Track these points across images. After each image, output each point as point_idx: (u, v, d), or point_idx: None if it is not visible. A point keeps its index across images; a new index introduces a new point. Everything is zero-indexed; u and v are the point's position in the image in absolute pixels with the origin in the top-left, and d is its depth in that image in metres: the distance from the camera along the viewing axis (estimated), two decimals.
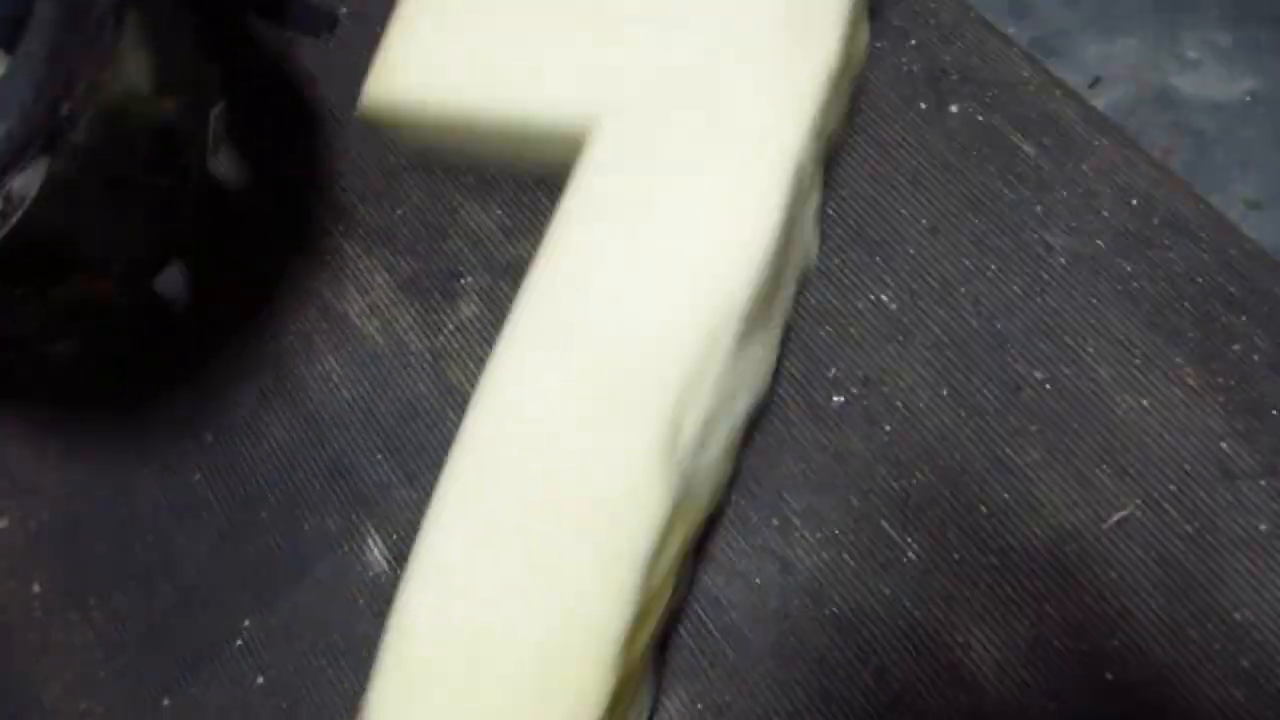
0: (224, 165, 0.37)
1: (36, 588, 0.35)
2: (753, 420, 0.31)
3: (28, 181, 0.24)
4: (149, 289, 0.35)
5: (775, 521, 0.31)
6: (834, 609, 0.29)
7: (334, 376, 0.35)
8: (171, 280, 0.36)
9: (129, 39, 0.26)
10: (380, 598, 0.32)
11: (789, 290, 0.31)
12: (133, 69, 0.27)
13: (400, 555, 0.32)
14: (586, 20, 0.32)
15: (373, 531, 0.33)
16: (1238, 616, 0.27)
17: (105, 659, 0.33)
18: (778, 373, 0.31)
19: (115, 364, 0.36)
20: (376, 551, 0.32)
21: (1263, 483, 0.28)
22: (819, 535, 0.30)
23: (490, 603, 0.27)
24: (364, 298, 0.36)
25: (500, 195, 0.36)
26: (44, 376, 0.37)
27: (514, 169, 0.35)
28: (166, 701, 0.32)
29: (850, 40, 0.31)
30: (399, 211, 0.36)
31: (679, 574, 0.28)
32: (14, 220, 0.24)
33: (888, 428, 0.31)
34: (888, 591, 0.29)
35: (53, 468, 0.36)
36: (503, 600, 0.27)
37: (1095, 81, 0.34)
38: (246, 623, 0.33)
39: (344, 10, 0.40)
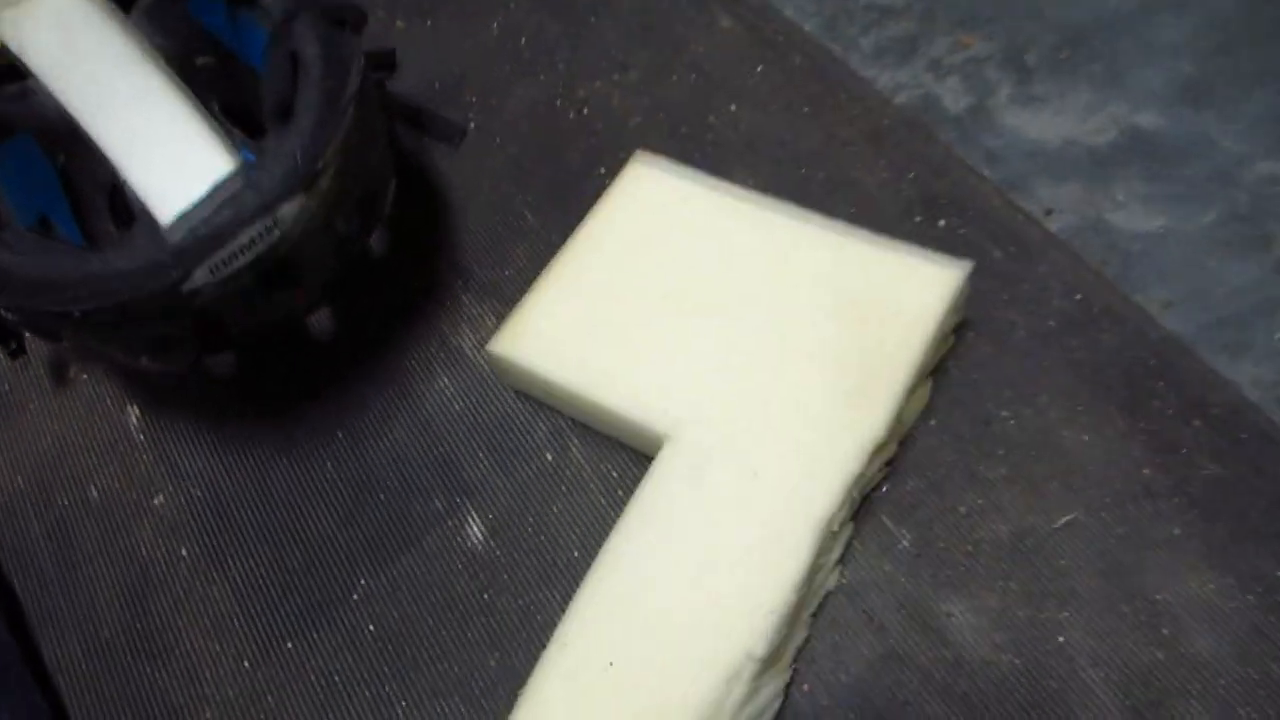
0: (376, 237, 0.47)
1: (184, 551, 0.42)
2: None
3: (288, 212, 0.34)
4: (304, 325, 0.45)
5: None
6: (843, 581, 0.37)
7: (447, 393, 0.44)
8: (320, 318, 0.45)
9: (357, 124, 0.37)
10: (477, 565, 0.39)
11: (803, 628, 0.35)
12: (355, 145, 0.37)
13: (495, 532, 0.40)
14: (684, 340, 0.38)
15: (473, 512, 0.40)
16: (1158, 597, 0.35)
17: (239, 609, 0.40)
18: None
19: (267, 378, 0.45)
20: (476, 528, 0.40)
21: (1175, 500, 0.37)
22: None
23: None
24: (475, 335, 0.45)
25: None
26: (204, 385, 0.45)
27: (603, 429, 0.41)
28: (290, 644, 0.39)
29: (903, 408, 0.37)
30: (507, 272, 0.46)
31: None
32: (276, 234, 0.34)
33: (889, 447, 0.39)
34: (888, 569, 0.37)
35: (205, 455, 0.44)
36: None
37: (1049, 212, 0.45)
38: (362, 581, 0.40)
39: (472, 125, 0.51)
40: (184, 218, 0.33)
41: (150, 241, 0.33)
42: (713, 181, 0.42)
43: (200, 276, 0.33)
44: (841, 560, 0.37)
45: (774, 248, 0.40)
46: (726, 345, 0.38)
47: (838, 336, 0.37)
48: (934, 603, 0.36)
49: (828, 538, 0.35)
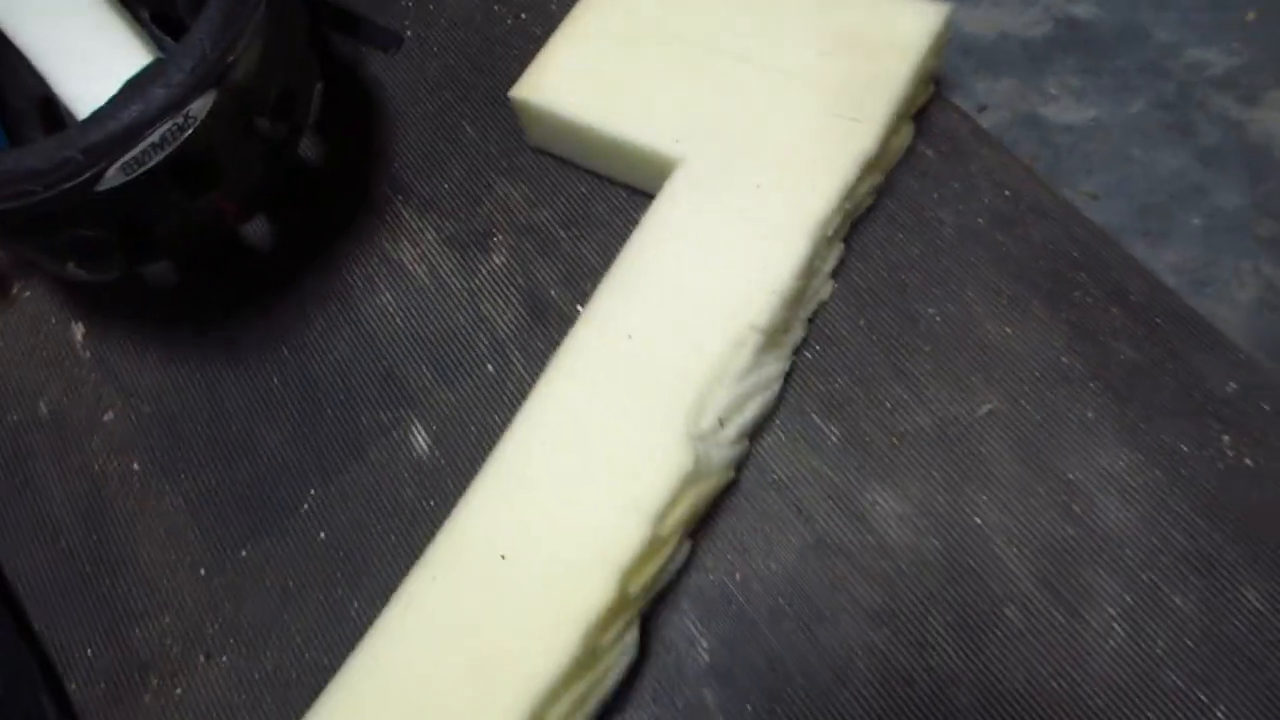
0: (310, 148, 0.47)
1: (136, 466, 0.43)
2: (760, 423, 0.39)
3: (200, 106, 0.34)
4: (239, 237, 0.45)
5: None
6: (774, 477, 0.38)
7: (389, 307, 0.44)
8: (258, 228, 0.45)
9: (270, 18, 0.36)
10: (421, 473, 0.40)
11: (800, 327, 0.40)
12: (270, 40, 0.37)
13: (439, 441, 0.41)
14: (691, 79, 0.42)
15: (416, 422, 0.41)
16: (1071, 477, 0.37)
17: (193, 520, 0.41)
18: (784, 389, 0.39)
19: (211, 293, 0.45)
20: (420, 438, 0.41)
21: (1091, 385, 0.38)
22: (766, 424, 0.39)
23: (526, 520, 0.34)
24: (415, 249, 0.45)
25: (525, 174, 0.46)
26: (148, 300, 0.45)
27: (610, 174, 0.45)
28: (244, 552, 0.40)
29: (889, 138, 0.41)
30: (445, 185, 0.46)
31: (679, 541, 0.36)
32: (189, 132, 0.33)
33: (817, 347, 0.40)
34: (815, 464, 0.38)
35: (153, 371, 0.44)
36: (539, 520, 0.34)
37: (982, 108, 0.45)
38: (312, 491, 0.41)
39: (409, 33, 0.50)
40: (97, 116, 0.33)
41: (61, 141, 0.33)
42: None
43: (115, 175, 0.33)
44: (835, 275, 0.41)
45: None
46: (731, 79, 0.42)
47: (833, 67, 0.41)
48: (860, 493, 0.38)
49: (823, 242, 0.39)
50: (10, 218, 0.33)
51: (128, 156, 0.33)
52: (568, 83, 0.43)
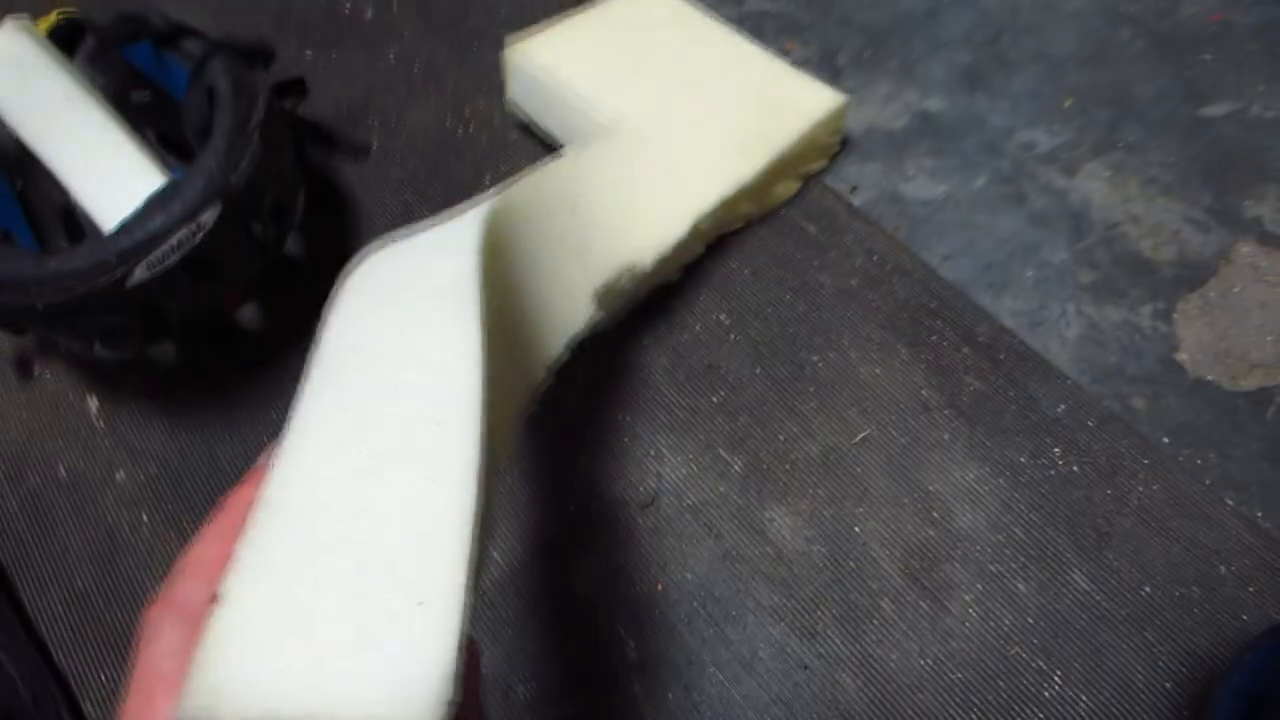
0: (294, 244, 0.55)
1: (145, 517, 0.49)
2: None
3: (209, 217, 0.42)
4: (234, 321, 0.53)
5: (653, 452, 0.47)
6: (688, 503, 0.46)
7: None
8: (250, 314, 0.53)
9: (264, 142, 0.45)
10: None
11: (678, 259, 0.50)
12: (265, 160, 0.45)
13: None
14: (644, 80, 0.52)
15: None
16: (931, 489, 0.44)
17: None
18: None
19: (207, 368, 0.53)
20: None
21: (946, 412, 0.46)
22: (679, 459, 0.47)
23: None
24: None
25: None
26: (152, 376, 0.53)
27: (558, 132, 0.54)
28: None
29: (771, 181, 0.51)
30: None
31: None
32: (199, 238, 0.41)
33: (722, 392, 0.48)
34: (722, 489, 0.46)
35: (159, 436, 0.51)
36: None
37: (854, 189, 0.54)
38: None
39: (375, 145, 0.59)
40: (124, 225, 0.41)
41: (98, 246, 0.41)
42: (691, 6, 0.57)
43: (140, 273, 0.41)
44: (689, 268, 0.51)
45: (723, 46, 0.55)
46: (672, 92, 0.52)
47: (745, 111, 0.52)
48: (759, 512, 0.45)
49: (696, 231, 0.48)
50: (53, 309, 0.40)
51: (150, 257, 0.40)
52: (551, 56, 0.53)
